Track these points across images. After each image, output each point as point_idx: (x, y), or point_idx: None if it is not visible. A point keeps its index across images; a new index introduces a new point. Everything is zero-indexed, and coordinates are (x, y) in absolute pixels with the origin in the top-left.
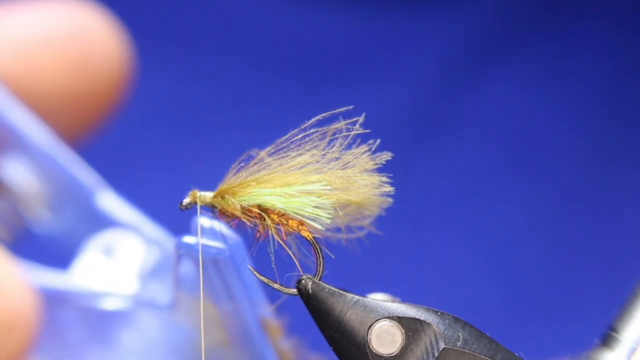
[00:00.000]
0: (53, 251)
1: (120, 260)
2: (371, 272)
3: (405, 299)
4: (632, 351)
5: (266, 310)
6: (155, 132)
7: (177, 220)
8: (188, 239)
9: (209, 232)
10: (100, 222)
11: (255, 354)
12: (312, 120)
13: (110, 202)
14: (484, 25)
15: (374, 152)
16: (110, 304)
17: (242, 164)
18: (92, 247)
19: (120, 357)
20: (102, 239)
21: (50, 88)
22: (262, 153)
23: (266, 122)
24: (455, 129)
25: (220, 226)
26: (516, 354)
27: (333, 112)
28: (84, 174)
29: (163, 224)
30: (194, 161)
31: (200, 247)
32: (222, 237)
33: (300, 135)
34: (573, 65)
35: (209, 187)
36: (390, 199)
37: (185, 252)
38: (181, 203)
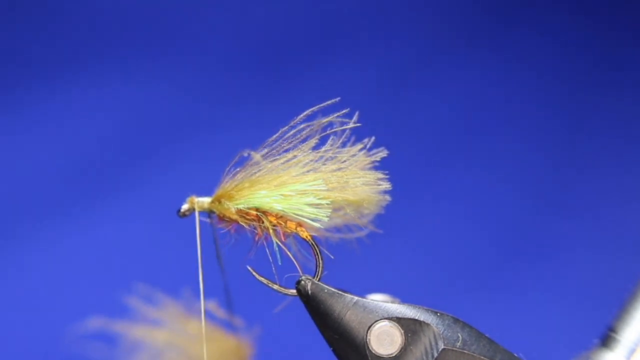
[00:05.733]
0: None
1: None
2: (371, 272)
3: (405, 299)
4: (632, 352)
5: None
6: (154, 135)
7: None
8: None
9: None
10: None
11: None
12: (302, 115)
13: None
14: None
15: (370, 149)
16: None
17: (237, 167)
18: None
19: None
20: None
21: None
22: (257, 154)
23: (265, 119)
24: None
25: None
26: (515, 355)
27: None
28: None
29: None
30: (190, 165)
31: (199, 252)
32: None
33: (293, 132)
34: (538, 55)
35: (207, 192)
36: (388, 197)
37: None
38: (179, 210)
